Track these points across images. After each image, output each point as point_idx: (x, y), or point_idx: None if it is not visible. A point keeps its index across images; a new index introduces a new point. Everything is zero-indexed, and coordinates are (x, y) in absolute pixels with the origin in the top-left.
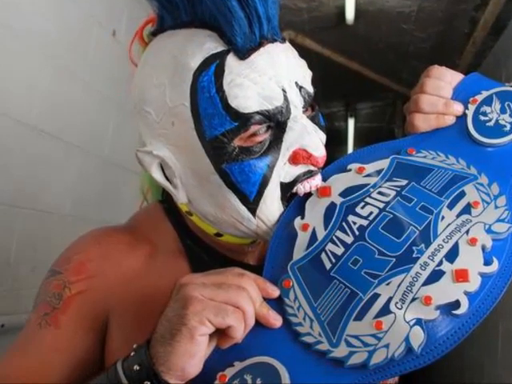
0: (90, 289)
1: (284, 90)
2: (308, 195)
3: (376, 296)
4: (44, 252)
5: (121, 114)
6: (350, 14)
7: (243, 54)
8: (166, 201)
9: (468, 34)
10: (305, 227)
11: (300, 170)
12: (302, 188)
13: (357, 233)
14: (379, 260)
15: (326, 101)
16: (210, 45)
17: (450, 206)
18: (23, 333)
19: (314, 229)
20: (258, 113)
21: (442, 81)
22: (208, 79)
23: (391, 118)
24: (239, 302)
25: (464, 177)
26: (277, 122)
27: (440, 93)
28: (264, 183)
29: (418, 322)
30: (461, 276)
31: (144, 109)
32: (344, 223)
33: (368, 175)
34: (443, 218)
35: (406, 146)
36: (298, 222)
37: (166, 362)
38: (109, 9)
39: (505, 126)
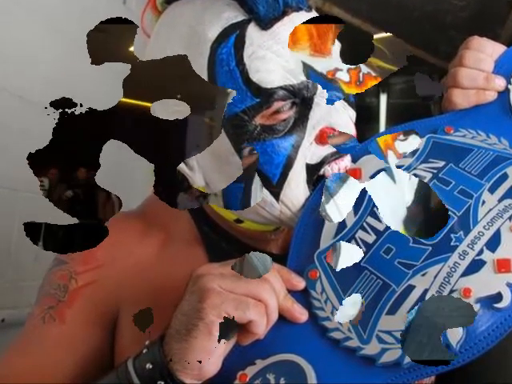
0: (98, 280)
1: None
2: None
3: (410, 288)
4: None
5: None
6: None
7: (265, 24)
8: None
9: (511, 1)
10: None
11: (327, 150)
12: (329, 170)
13: None
14: (414, 248)
15: None
16: (230, 14)
17: (492, 190)
18: (25, 328)
19: None
20: (281, 88)
21: (483, 53)
22: (227, 51)
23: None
24: (261, 294)
25: (507, 158)
26: (302, 98)
27: (480, 66)
28: (288, 165)
29: None
30: (503, 266)
31: None
32: (376, 209)
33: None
34: (484, 202)
35: (443, 125)
36: None
37: (182, 359)
38: None
39: None
